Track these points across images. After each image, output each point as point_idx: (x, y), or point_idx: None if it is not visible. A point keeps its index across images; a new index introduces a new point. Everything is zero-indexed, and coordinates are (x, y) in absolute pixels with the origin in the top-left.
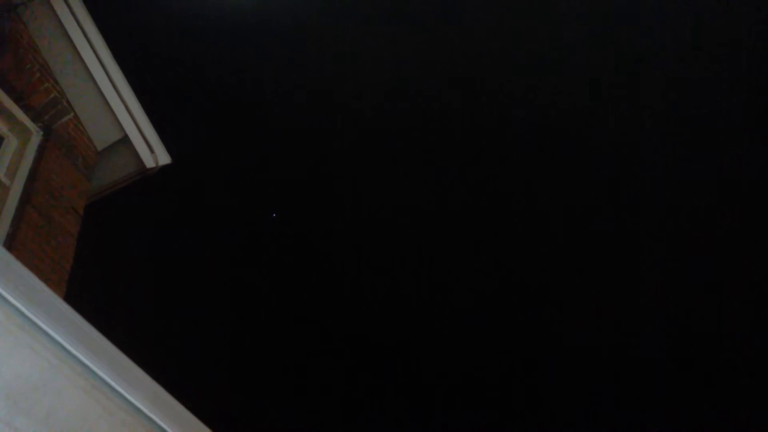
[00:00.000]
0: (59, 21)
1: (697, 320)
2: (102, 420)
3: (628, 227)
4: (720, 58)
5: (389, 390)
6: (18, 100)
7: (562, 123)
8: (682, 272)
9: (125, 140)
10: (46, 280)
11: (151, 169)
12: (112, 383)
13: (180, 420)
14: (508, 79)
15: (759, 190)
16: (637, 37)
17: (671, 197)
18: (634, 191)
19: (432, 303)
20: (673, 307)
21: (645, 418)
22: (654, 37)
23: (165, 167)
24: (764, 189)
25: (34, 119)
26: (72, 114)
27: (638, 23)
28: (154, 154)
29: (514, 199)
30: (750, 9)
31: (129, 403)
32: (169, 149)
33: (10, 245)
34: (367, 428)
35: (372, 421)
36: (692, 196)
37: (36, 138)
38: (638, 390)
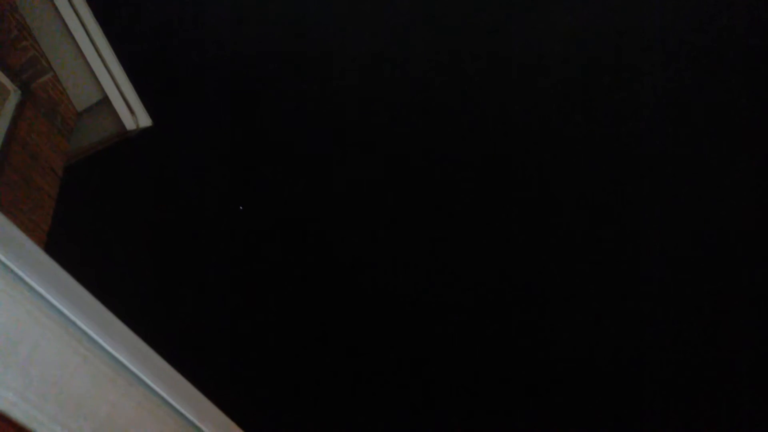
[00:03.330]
0: None
1: (697, 322)
2: (81, 369)
3: (628, 228)
4: (719, 58)
5: (388, 388)
6: None
7: (562, 124)
8: (682, 274)
9: (105, 101)
10: None
11: (132, 131)
12: (92, 334)
13: (160, 372)
14: (508, 76)
15: (759, 191)
16: (637, 34)
17: (672, 199)
18: (634, 192)
19: (430, 301)
20: (673, 310)
21: (644, 420)
22: (654, 35)
23: (146, 130)
24: (764, 189)
25: (12, 78)
26: (51, 74)
27: (638, 21)
28: (135, 116)
29: (515, 198)
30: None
31: (109, 354)
32: (150, 112)
33: None
34: (363, 426)
35: (370, 419)
36: (693, 197)
37: (14, 97)
38: (638, 393)
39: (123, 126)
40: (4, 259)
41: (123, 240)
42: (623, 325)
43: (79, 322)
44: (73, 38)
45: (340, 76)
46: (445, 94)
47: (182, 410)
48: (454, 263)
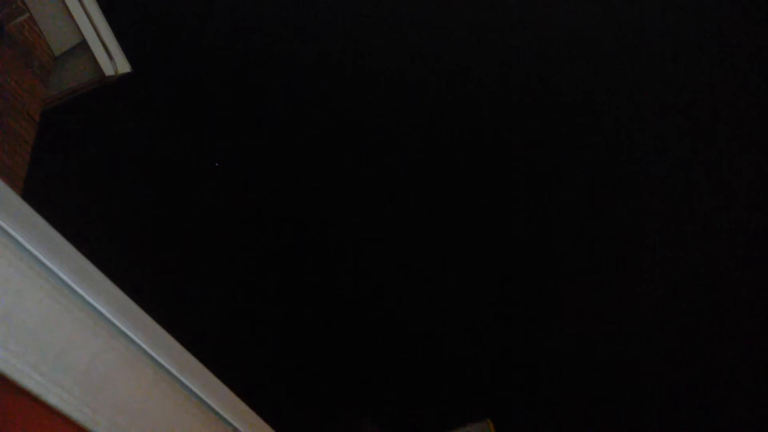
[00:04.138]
0: None
1: (696, 323)
2: (62, 320)
3: (626, 228)
4: (720, 57)
5: (385, 386)
6: None
7: (561, 124)
8: (681, 275)
9: (83, 45)
10: None
11: (110, 77)
12: (73, 285)
13: (141, 324)
14: (509, 78)
15: (759, 191)
16: (637, 31)
17: (671, 198)
18: (633, 193)
19: (427, 298)
20: (672, 311)
21: (642, 422)
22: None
23: (125, 76)
24: (764, 189)
25: None
26: (27, 14)
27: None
28: (114, 61)
29: (513, 199)
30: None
31: (90, 305)
32: (130, 58)
33: None
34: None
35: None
36: (692, 196)
37: None
38: (635, 394)
39: (101, 71)
40: None
41: (101, 189)
42: (623, 326)
43: (60, 273)
44: None
45: (341, 44)
46: (443, 93)
47: (162, 361)
48: (454, 262)
